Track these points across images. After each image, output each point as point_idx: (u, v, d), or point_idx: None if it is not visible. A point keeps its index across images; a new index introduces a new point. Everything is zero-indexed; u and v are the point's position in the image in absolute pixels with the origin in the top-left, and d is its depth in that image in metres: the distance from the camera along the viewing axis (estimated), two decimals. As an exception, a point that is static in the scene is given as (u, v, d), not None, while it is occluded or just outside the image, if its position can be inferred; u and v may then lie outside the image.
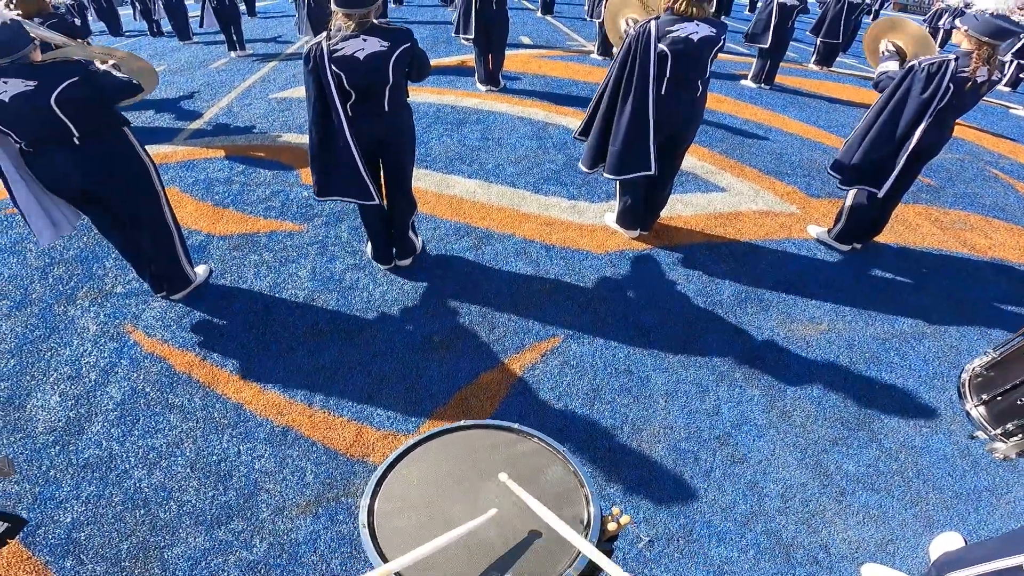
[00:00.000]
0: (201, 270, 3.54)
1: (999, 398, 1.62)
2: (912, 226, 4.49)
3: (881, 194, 3.46)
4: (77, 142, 2.57)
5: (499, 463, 1.08)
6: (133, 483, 2.35)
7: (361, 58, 2.63)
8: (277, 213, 4.23)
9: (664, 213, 4.17)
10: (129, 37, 12.14)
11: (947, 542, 2.23)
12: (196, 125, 6.00)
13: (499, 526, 0.98)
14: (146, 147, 2.98)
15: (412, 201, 3.39)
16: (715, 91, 7.44)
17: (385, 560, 0.92)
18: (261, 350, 3.01)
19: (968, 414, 1.69)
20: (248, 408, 2.67)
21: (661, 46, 2.95)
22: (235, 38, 9.28)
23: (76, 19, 7.55)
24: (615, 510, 1.04)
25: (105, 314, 3.24)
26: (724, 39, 3.05)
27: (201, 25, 9.33)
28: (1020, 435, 1.54)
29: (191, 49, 10.08)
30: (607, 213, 4.23)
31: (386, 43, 2.65)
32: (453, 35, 6.95)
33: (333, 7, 2.58)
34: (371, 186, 2.99)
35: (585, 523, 0.98)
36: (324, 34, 2.64)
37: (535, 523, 0.97)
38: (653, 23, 2.96)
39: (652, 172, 3.31)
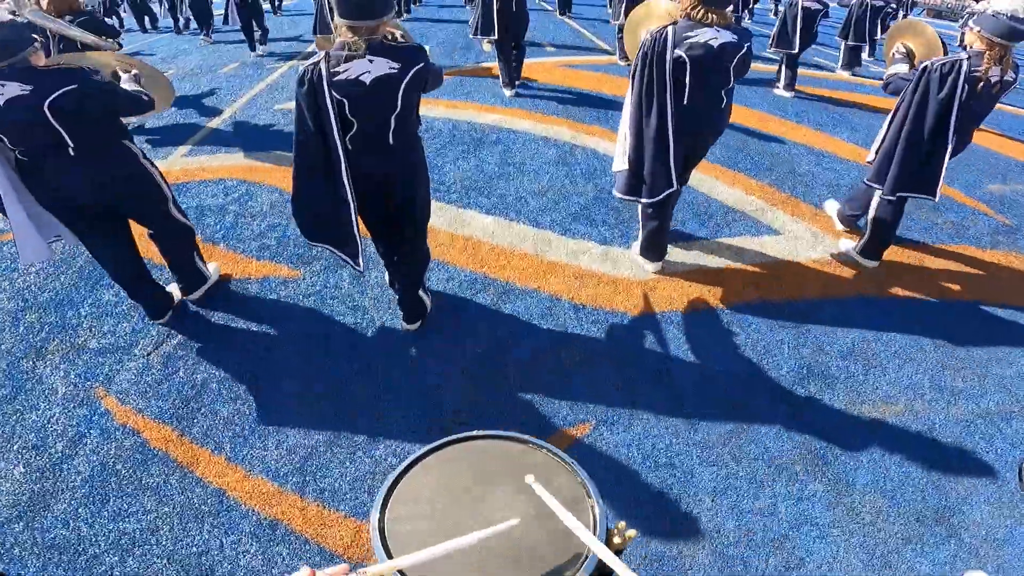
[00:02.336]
0: (212, 268, 3.42)
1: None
2: (993, 276, 3.90)
3: (936, 199, 3.35)
4: (72, 153, 2.45)
5: (507, 472, 1.09)
6: (105, 570, 2.11)
7: (367, 82, 2.23)
8: (271, 254, 3.75)
9: (712, 262, 3.68)
10: (161, 33, 12.14)
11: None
12: (194, 140, 5.56)
13: (507, 536, 0.98)
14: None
15: (426, 253, 2.98)
16: (761, 109, 6.86)
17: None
18: (247, 426, 2.63)
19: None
20: (231, 495, 2.36)
21: (679, 52, 2.76)
22: (257, 36, 9.10)
23: (107, 18, 7.34)
24: (620, 524, 1.05)
25: (76, 374, 2.88)
26: (749, 47, 2.85)
27: (225, 22, 9.15)
28: None
29: (202, 52, 9.73)
30: (633, 244, 3.80)
31: (396, 64, 2.25)
32: (472, 36, 6.58)
33: (336, 19, 2.18)
34: (360, 245, 2.57)
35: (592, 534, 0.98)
36: (322, 54, 2.23)
37: (543, 531, 0.98)
38: (670, 28, 2.78)
39: (675, 188, 3.10)
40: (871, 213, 3.68)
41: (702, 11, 2.76)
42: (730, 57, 2.83)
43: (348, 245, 2.59)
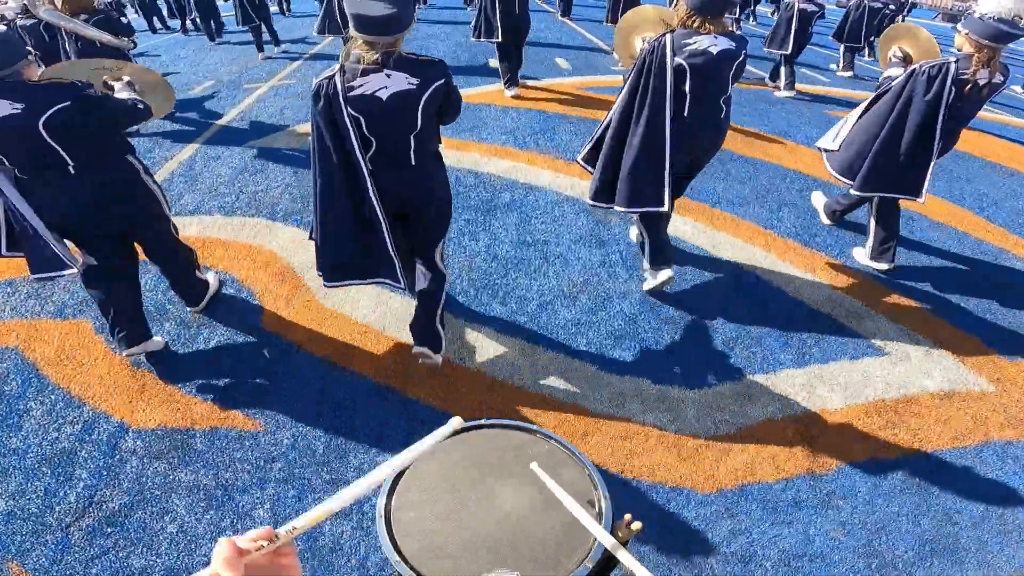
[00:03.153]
0: (212, 278, 3.36)
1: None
2: None
3: (922, 200, 3.39)
4: (73, 171, 2.37)
5: (515, 462, 1.09)
6: None
7: (384, 98, 2.16)
8: (222, 393, 2.82)
9: (803, 402, 2.85)
10: (171, 34, 11.68)
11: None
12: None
13: (511, 522, 0.99)
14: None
15: (441, 274, 2.74)
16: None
17: (399, 552, 0.94)
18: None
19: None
20: None
21: (678, 59, 2.73)
22: (263, 39, 8.98)
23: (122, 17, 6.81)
24: (626, 517, 1.03)
25: (-16, 543, 2.15)
26: (745, 54, 2.84)
27: (238, 23, 8.91)
28: None
29: (179, 65, 8.83)
30: (643, 261, 3.49)
31: (415, 80, 2.17)
32: (473, 39, 6.41)
33: (351, 32, 2.12)
34: (398, 264, 2.48)
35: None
36: (337, 67, 2.16)
37: (548, 520, 0.99)
38: (668, 36, 2.75)
39: (664, 208, 3.02)
40: (873, 216, 3.71)
41: (698, 20, 2.73)
42: (728, 64, 2.80)
43: (381, 269, 2.52)
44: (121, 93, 2.64)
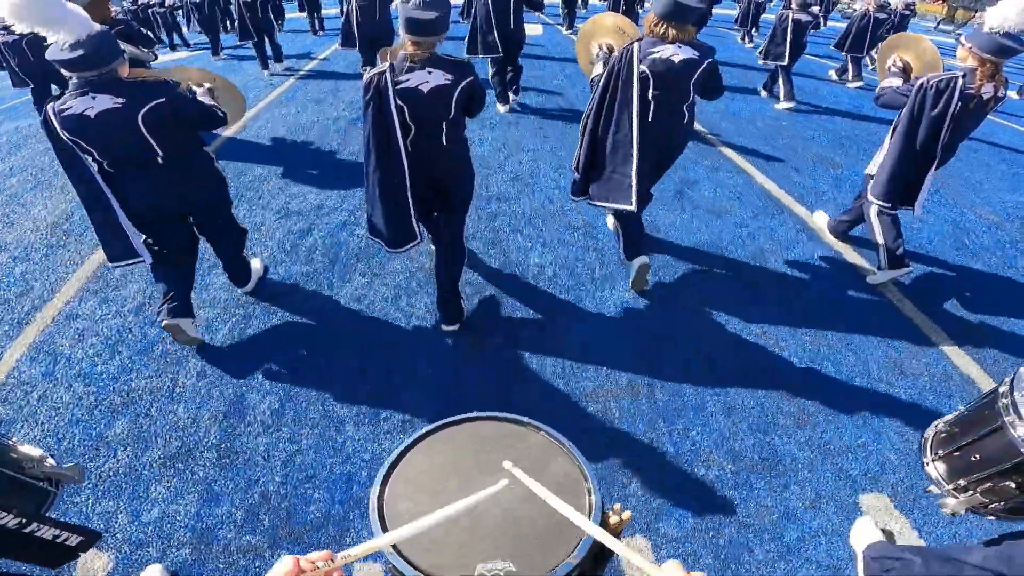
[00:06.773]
0: (256, 263, 3.52)
1: (955, 453, 1.53)
2: None
3: (917, 212, 3.41)
4: (161, 162, 2.53)
5: (506, 454, 1.07)
6: None
7: (425, 91, 2.54)
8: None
9: None
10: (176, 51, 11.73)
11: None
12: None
13: (504, 512, 0.99)
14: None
15: (463, 249, 3.12)
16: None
17: (394, 544, 0.92)
18: None
19: (924, 468, 1.61)
20: None
21: (643, 67, 2.84)
22: (267, 54, 8.97)
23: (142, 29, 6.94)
24: (616, 506, 1.03)
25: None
26: (711, 62, 2.88)
27: (240, 39, 8.86)
28: (971, 491, 1.46)
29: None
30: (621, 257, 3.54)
31: (450, 76, 2.57)
32: (467, 54, 6.23)
33: (402, 34, 2.50)
34: (415, 225, 2.79)
35: (587, 516, 0.98)
36: (387, 64, 2.51)
37: (541, 510, 0.95)
38: (636, 44, 2.87)
39: (633, 208, 3.10)
40: (877, 232, 3.56)
41: (663, 27, 2.80)
42: (690, 73, 2.85)
43: (405, 233, 2.78)
44: (203, 98, 2.79)
